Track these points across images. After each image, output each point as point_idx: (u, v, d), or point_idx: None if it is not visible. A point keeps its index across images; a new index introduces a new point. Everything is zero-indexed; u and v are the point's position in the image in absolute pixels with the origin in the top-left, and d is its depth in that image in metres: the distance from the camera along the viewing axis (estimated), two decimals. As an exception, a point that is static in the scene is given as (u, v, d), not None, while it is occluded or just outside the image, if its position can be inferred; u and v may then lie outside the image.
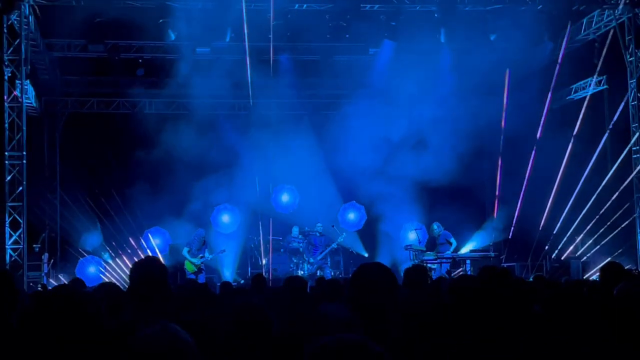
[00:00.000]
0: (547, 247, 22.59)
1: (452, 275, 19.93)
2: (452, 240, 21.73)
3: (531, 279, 12.83)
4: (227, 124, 25.25)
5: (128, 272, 19.76)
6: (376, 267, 4.32)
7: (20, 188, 19.64)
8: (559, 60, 22.60)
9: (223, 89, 24.04)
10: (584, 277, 19.39)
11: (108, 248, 23.94)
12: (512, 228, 23.75)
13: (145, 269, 4.90)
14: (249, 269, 24.15)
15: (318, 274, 21.84)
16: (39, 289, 15.89)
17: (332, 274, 22.42)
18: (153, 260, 5.17)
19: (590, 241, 21.61)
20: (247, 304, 4.55)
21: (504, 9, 21.05)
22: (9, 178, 19.70)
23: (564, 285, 10.43)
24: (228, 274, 23.42)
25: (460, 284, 4.68)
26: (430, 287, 8.46)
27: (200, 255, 20.94)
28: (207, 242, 21.74)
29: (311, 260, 22.46)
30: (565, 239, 22.30)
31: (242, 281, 22.33)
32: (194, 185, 24.60)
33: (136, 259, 23.14)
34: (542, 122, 23.06)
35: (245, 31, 21.14)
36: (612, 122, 21.82)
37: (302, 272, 22.21)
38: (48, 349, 3.22)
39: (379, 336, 4.04)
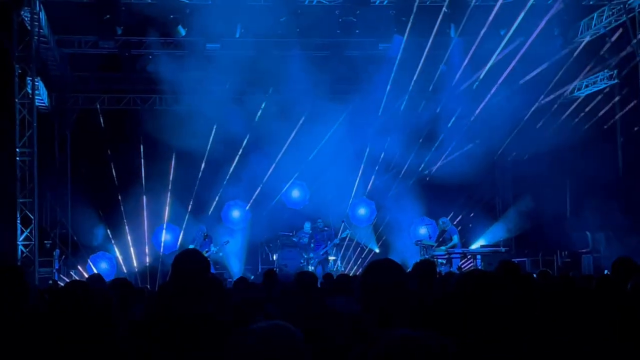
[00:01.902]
0: (558, 242, 22.52)
1: (463, 270, 19.91)
2: (455, 237, 21.62)
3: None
4: (237, 119, 25.25)
5: (135, 267, 19.70)
6: (387, 263, 4.33)
7: (31, 184, 19.70)
8: (570, 55, 22.51)
9: (233, 84, 24.07)
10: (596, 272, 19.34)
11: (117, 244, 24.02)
12: (523, 223, 23.68)
13: (188, 261, 4.94)
14: (260, 264, 24.18)
15: (319, 268, 21.85)
16: (50, 283, 15.98)
17: (336, 268, 22.37)
18: (196, 253, 5.22)
19: (602, 236, 21.54)
20: (247, 299, 4.58)
21: (513, 4, 21.00)
22: (19, 174, 19.77)
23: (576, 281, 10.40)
24: (237, 269, 23.47)
25: (468, 277, 4.65)
26: (439, 282, 8.45)
27: (205, 249, 21.03)
28: (210, 236, 21.86)
29: (311, 254, 22.44)
30: (576, 233, 22.23)
31: (252, 277, 22.38)
32: (205, 181, 24.64)
33: (147, 256, 23.30)
34: (553, 117, 23.00)
35: (255, 27, 21.21)
36: (622, 116, 21.77)
37: (312, 268, 22.23)
38: (56, 344, 3.23)
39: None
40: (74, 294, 3.65)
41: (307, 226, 23.63)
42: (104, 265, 22.68)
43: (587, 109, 23.11)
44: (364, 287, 4.21)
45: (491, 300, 4.26)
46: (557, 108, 23.79)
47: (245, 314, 4.48)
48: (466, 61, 23.28)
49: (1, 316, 3.91)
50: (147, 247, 24.19)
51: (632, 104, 21.29)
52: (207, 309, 4.78)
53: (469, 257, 21.45)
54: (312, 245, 22.71)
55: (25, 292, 4.02)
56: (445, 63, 23.86)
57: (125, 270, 23.39)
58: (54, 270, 21.27)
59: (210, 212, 24.62)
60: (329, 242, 22.49)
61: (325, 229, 22.80)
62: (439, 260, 20.55)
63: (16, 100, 19.78)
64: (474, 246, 22.51)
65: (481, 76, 23.30)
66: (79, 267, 22.80)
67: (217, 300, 6.07)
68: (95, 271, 21.22)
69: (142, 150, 24.65)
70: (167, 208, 24.27)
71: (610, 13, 21.38)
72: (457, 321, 4.01)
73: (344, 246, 23.57)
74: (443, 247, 21.46)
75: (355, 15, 21.29)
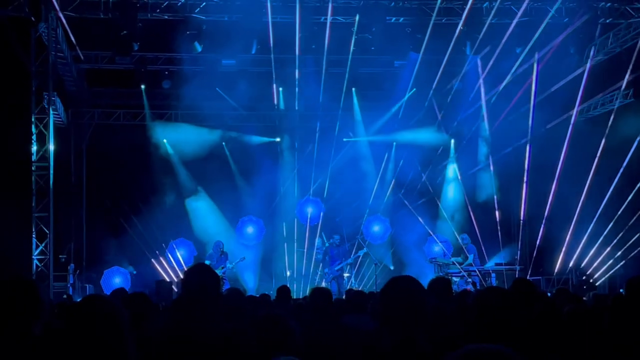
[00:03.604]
0: (573, 261, 22.40)
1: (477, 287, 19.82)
2: (470, 256, 21.57)
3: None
4: (253, 135, 25.29)
5: (154, 285, 19.62)
6: (408, 281, 4.30)
7: (47, 199, 19.74)
8: (586, 73, 22.43)
9: (248, 100, 24.12)
10: (611, 291, 19.22)
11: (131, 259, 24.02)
12: (538, 242, 23.56)
13: (199, 276, 4.92)
14: (274, 280, 24.14)
15: (333, 284, 21.79)
16: (64, 298, 15.98)
17: (350, 285, 22.28)
18: (207, 268, 5.18)
19: (618, 254, 21.42)
20: (270, 314, 4.55)
21: (529, 22, 20.98)
22: (35, 189, 19.82)
23: (592, 301, 10.33)
24: (252, 285, 23.45)
25: (485, 297, 4.62)
26: (454, 299, 8.40)
27: (221, 266, 20.98)
28: (226, 252, 21.80)
29: (326, 270, 22.36)
30: (592, 252, 22.11)
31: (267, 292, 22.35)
32: (220, 197, 24.64)
33: (161, 271, 23.31)
34: (568, 136, 22.90)
35: (271, 43, 21.29)
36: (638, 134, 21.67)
37: (326, 284, 22.16)
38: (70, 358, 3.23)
39: (407, 349, 4.00)
40: (87, 309, 3.64)
41: (319, 242, 23.59)
42: (118, 280, 22.66)
43: (602, 128, 23.00)
44: (383, 305, 4.18)
45: (507, 318, 4.23)
46: (572, 126, 23.70)
47: (264, 329, 4.44)
48: (482, 79, 23.27)
49: (14, 332, 3.91)
50: (161, 262, 24.16)
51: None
52: (219, 324, 4.74)
53: (483, 274, 21.37)
54: (326, 260, 22.65)
55: (39, 308, 4.01)
56: (461, 80, 23.84)
57: (139, 285, 23.37)
58: (69, 285, 21.30)
59: (227, 228, 24.60)
60: (343, 259, 22.41)
61: (341, 245, 22.72)
62: (454, 278, 20.48)
63: (32, 115, 19.86)
64: (489, 264, 22.40)
65: (497, 93, 23.28)
66: (94, 282, 22.81)
67: (234, 315, 6.04)
68: (110, 285, 21.27)
69: (156, 164, 24.67)
70: (182, 223, 24.27)
71: (627, 32, 21.33)
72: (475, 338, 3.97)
73: (357, 263, 23.47)
74: (456, 265, 21.39)
75: (371, 33, 21.31)
